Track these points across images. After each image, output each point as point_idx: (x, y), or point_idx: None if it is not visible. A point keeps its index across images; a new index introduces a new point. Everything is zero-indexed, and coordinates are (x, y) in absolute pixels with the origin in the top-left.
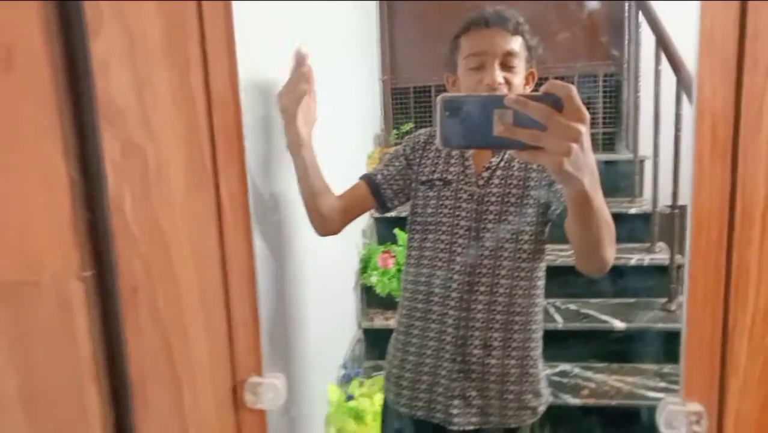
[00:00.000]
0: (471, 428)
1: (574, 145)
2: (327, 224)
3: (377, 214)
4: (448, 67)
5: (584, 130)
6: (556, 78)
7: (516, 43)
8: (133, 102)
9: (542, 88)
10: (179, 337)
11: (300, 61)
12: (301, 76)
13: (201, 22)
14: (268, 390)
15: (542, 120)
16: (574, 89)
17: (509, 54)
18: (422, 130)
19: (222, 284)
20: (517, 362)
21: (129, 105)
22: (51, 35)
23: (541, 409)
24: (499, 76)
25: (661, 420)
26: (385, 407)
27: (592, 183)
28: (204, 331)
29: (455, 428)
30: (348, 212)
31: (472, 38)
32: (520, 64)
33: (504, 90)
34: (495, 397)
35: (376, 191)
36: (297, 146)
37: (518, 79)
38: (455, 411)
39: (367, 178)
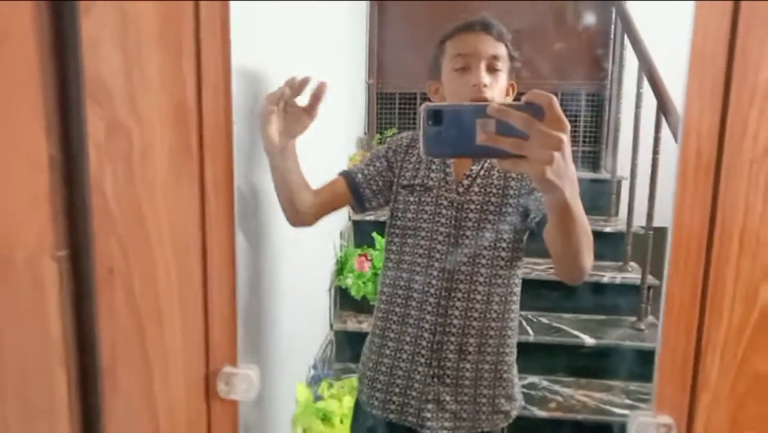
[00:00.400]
0: (444, 432)
1: (556, 154)
2: (300, 218)
3: (355, 217)
4: (431, 73)
5: (565, 138)
6: None
7: (501, 49)
8: (121, 82)
9: (524, 98)
10: (153, 321)
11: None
12: (286, 99)
13: (197, 5)
14: (242, 381)
15: (524, 129)
16: (554, 98)
17: (495, 57)
18: (405, 134)
19: (201, 270)
20: (491, 366)
21: (117, 85)
22: (40, 9)
23: (514, 413)
24: (485, 77)
25: (632, 431)
26: (357, 408)
27: (572, 191)
28: (179, 317)
29: (428, 432)
30: (324, 207)
31: (458, 41)
32: (503, 71)
33: (489, 92)
34: (469, 402)
35: (354, 190)
36: (270, 152)
37: (501, 84)
38: (428, 415)
39: (347, 176)
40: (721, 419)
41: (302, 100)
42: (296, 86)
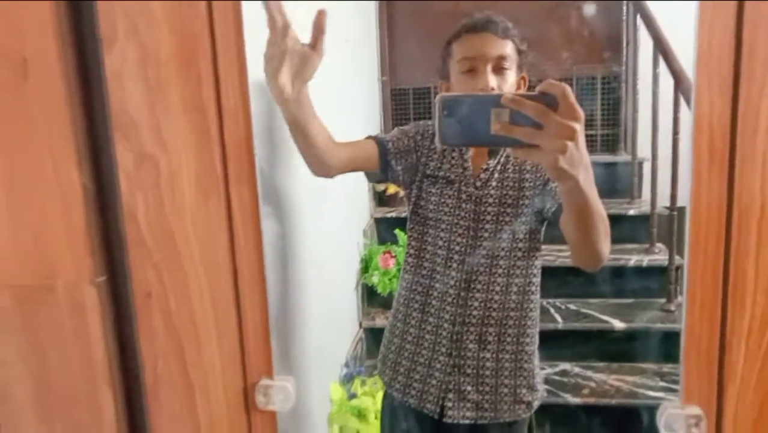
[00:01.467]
0: (466, 422)
1: (569, 143)
2: (325, 170)
3: (377, 215)
4: (441, 73)
5: (579, 128)
6: (556, 80)
7: (507, 47)
8: (145, 114)
9: (538, 88)
10: (191, 340)
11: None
12: (283, 30)
13: (213, 37)
14: (279, 392)
15: (538, 118)
16: (568, 88)
17: (501, 58)
18: (428, 123)
19: (233, 289)
20: (512, 356)
21: (142, 116)
22: (65, 47)
23: (536, 403)
24: (492, 80)
25: (661, 423)
26: (385, 394)
27: (586, 179)
28: (215, 335)
29: (449, 420)
30: (349, 163)
31: (463, 43)
32: (511, 69)
33: None
34: (490, 392)
35: (383, 157)
36: (281, 101)
37: (510, 82)
38: (449, 404)
39: (378, 142)
40: (749, 409)
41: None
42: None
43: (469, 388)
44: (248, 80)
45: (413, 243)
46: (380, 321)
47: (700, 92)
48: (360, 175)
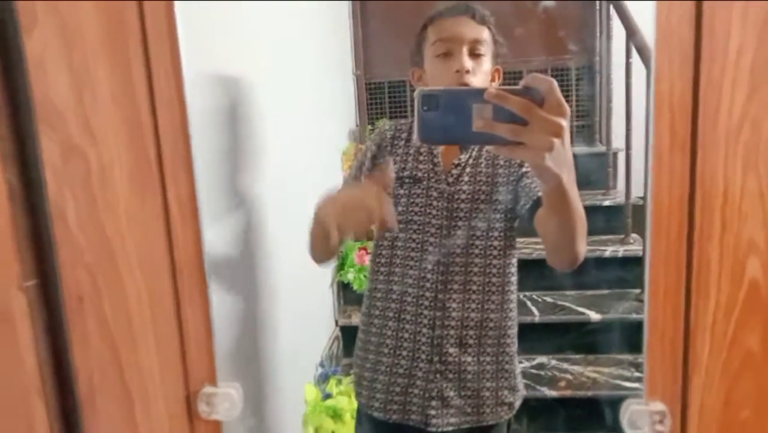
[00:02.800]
0: (450, 429)
1: (556, 140)
2: (329, 256)
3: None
4: (414, 60)
5: (565, 124)
6: (531, 72)
7: (483, 33)
8: (72, 103)
9: (522, 82)
10: (128, 347)
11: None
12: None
13: (142, 16)
14: (224, 400)
15: (523, 114)
16: (554, 82)
17: (476, 41)
18: (387, 125)
19: (172, 291)
20: (493, 358)
21: (68, 106)
22: None
23: (517, 404)
24: (468, 62)
25: (624, 420)
26: (359, 410)
27: (569, 178)
28: (154, 340)
29: (433, 429)
30: None
31: (439, 26)
32: (487, 55)
33: (471, 78)
34: (472, 396)
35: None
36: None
37: (485, 68)
38: (433, 412)
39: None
40: (715, 401)
41: None
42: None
43: (451, 393)
44: (182, 64)
45: (384, 252)
46: (356, 319)
47: (661, 71)
48: (335, 173)
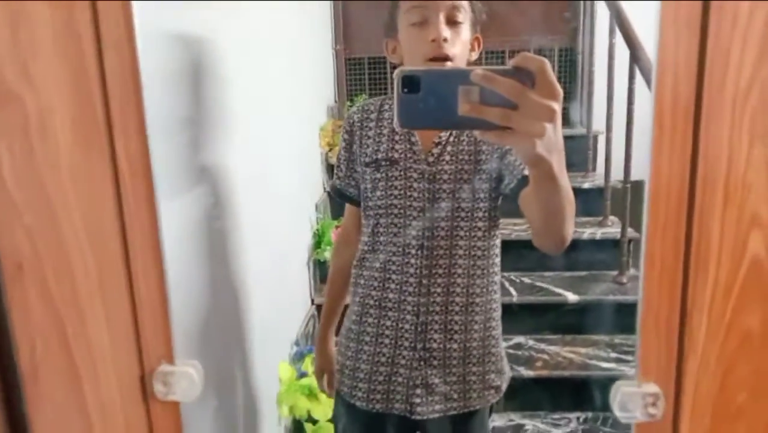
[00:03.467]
0: (435, 416)
1: (548, 125)
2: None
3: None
4: (387, 30)
5: (558, 108)
6: (513, 52)
7: None
8: (7, 42)
9: (512, 62)
10: (74, 319)
11: None
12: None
13: None
14: (181, 379)
15: (513, 97)
16: (547, 62)
17: (455, 7)
18: (354, 108)
19: (123, 258)
20: (479, 343)
21: (2, 46)
22: None
23: (504, 386)
24: (445, 31)
25: (615, 403)
26: (338, 400)
27: (560, 163)
28: (104, 312)
29: (418, 417)
30: (357, 228)
31: None
32: (465, 22)
33: (449, 48)
34: (458, 381)
35: (346, 200)
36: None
37: (464, 37)
38: (417, 400)
39: (341, 195)
40: (711, 384)
41: None
42: None
43: (436, 380)
44: (133, 6)
45: (365, 239)
46: None
47: (665, 28)
48: (312, 150)
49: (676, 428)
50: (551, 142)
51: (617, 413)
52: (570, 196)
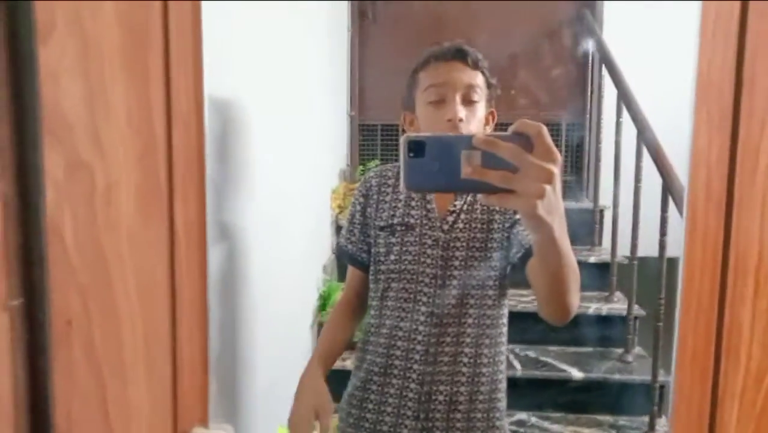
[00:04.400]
0: None
1: (547, 187)
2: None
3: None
4: (406, 105)
5: (556, 170)
6: None
7: (477, 78)
8: (83, 115)
9: (511, 128)
10: (116, 379)
11: None
12: None
13: (166, 31)
14: None
15: (513, 160)
16: (543, 128)
17: (470, 87)
18: (371, 172)
19: (170, 322)
20: (484, 415)
21: (78, 118)
22: None
23: None
24: (461, 111)
25: None
26: None
27: (561, 227)
28: (145, 373)
29: None
30: (360, 296)
31: (431, 71)
32: (481, 100)
33: (465, 127)
34: None
35: (361, 265)
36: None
37: (479, 115)
38: None
39: (347, 258)
40: None
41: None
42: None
43: None
44: (203, 84)
45: (374, 303)
46: (337, 362)
47: (699, 126)
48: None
49: None
50: (552, 205)
51: None
52: (574, 266)
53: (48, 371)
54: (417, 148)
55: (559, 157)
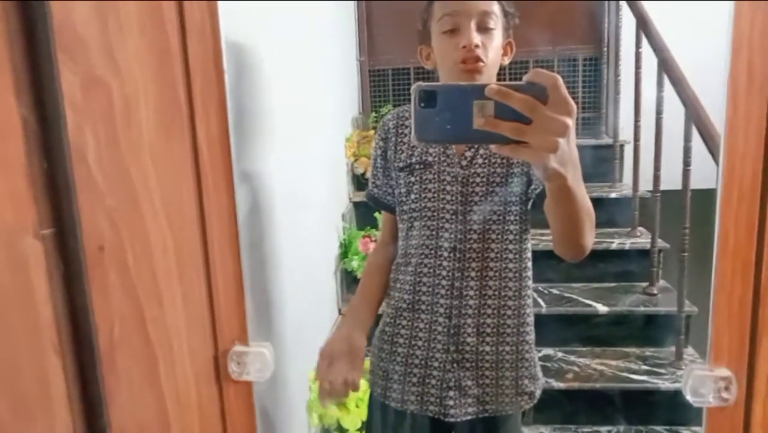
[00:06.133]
0: (468, 418)
1: (561, 140)
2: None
3: (356, 198)
4: (421, 38)
5: (571, 123)
6: (536, 62)
7: (492, 5)
8: (95, 30)
9: (525, 77)
10: (152, 300)
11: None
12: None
13: None
14: (255, 360)
15: (527, 112)
16: (560, 79)
17: (486, 14)
18: (389, 115)
19: (200, 240)
20: (512, 348)
21: (91, 34)
22: None
23: (538, 393)
24: (476, 37)
25: (687, 387)
26: (372, 402)
27: (575, 177)
28: (180, 294)
29: (451, 420)
30: (395, 236)
31: (445, 0)
32: (497, 28)
33: (482, 53)
34: (491, 384)
35: (383, 207)
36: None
37: (496, 43)
38: (451, 402)
39: (377, 202)
40: None
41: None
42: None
43: (469, 383)
44: None
45: (401, 243)
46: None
47: (740, 5)
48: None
49: (748, 413)
50: (565, 157)
51: (689, 397)
52: (588, 207)
53: (86, 297)
54: (428, 98)
55: (575, 109)
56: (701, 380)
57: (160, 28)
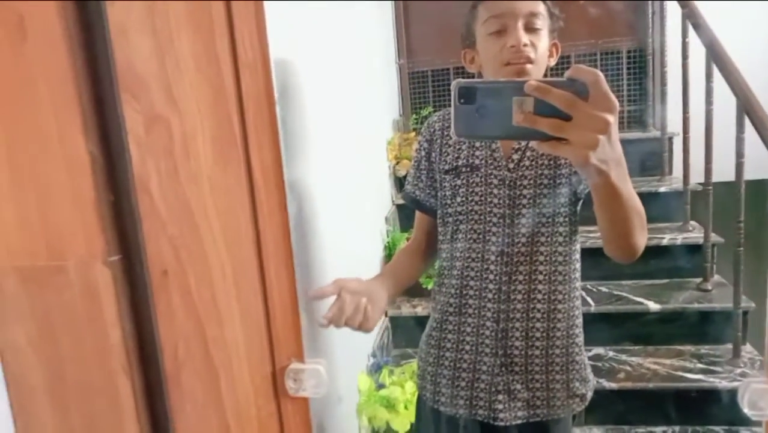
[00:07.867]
0: (518, 422)
1: (601, 137)
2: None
3: (398, 201)
4: (465, 41)
5: (612, 120)
6: (579, 56)
7: (538, 6)
8: (154, 70)
9: (566, 74)
10: (213, 321)
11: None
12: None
13: None
14: (311, 377)
15: (566, 109)
16: (601, 75)
17: (533, 15)
18: (434, 116)
19: (257, 263)
20: (562, 351)
21: (150, 73)
22: (63, 2)
23: (589, 395)
24: (524, 37)
25: (744, 401)
26: (420, 405)
27: (619, 175)
28: (239, 313)
29: (501, 423)
30: (430, 242)
31: (490, 2)
32: (543, 30)
33: (530, 52)
34: (541, 388)
35: (429, 211)
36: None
37: (543, 44)
38: (500, 406)
39: (415, 204)
40: None
41: None
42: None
43: (519, 386)
44: (267, 30)
45: (444, 246)
46: (406, 309)
47: None
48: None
49: None
50: (607, 153)
51: (747, 411)
52: (637, 206)
53: (152, 319)
54: (467, 94)
55: (616, 105)
56: (759, 393)
57: (214, 65)
